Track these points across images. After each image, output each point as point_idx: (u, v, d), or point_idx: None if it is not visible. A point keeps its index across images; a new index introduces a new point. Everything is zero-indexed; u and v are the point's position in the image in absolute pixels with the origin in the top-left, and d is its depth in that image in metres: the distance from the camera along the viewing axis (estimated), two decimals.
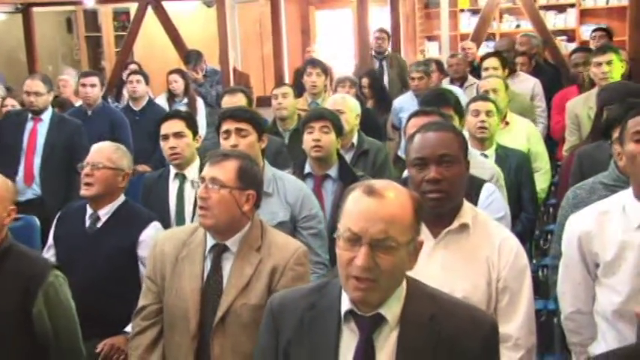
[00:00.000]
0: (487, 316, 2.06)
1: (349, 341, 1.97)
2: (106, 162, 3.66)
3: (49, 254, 3.76)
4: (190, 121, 4.34)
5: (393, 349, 1.94)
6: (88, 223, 3.69)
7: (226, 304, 2.72)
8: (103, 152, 3.71)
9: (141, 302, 2.91)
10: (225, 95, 5.48)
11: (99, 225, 3.67)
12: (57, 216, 3.87)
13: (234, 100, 5.20)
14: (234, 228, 2.80)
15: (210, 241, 2.82)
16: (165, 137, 4.20)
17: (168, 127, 4.21)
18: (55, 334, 2.77)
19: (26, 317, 2.72)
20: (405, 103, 6.77)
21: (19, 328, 2.69)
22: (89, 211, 3.70)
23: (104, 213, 3.68)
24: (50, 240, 3.82)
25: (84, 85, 6.57)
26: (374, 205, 1.90)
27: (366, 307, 1.95)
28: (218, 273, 2.79)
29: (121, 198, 3.74)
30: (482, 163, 3.90)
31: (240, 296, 2.73)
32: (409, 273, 2.43)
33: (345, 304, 1.98)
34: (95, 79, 6.61)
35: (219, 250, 2.81)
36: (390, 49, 8.84)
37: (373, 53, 8.68)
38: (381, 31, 8.74)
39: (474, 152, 4.06)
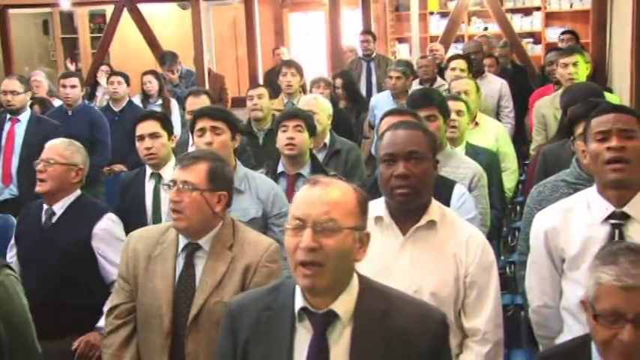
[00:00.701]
0: (437, 311, 2.06)
1: (304, 339, 1.97)
2: (59, 158, 3.65)
3: (12, 253, 3.75)
4: (165, 121, 4.31)
5: (347, 345, 1.94)
6: (43, 218, 3.67)
7: (200, 302, 2.71)
8: (56, 149, 3.69)
9: (114, 301, 2.88)
10: (189, 96, 5.37)
11: (54, 220, 3.66)
12: (19, 215, 3.85)
13: (198, 102, 5.10)
14: (207, 228, 2.79)
15: (183, 240, 2.81)
16: (141, 138, 4.16)
17: (144, 127, 4.17)
18: (7, 333, 2.67)
19: None
20: (380, 102, 6.78)
21: None
22: (45, 207, 3.69)
23: (59, 208, 3.66)
24: (12, 239, 3.80)
25: (64, 86, 6.53)
26: (317, 192, 1.94)
27: (315, 296, 1.95)
28: (191, 271, 2.77)
29: (77, 192, 3.72)
30: (466, 162, 3.91)
31: (214, 294, 2.72)
32: (380, 269, 2.46)
33: (299, 302, 1.98)
34: (75, 80, 6.59)
35: (191, 249, 2.79)
36: (377, 50, 8.82)
37: (360, 55, 8.65)
38: (366, 33, 8.70)
39: (456, 151, 4.07)
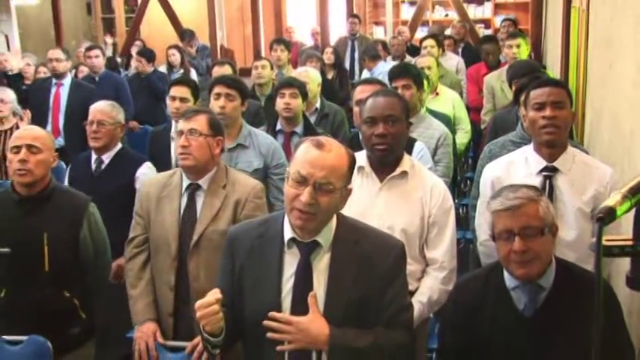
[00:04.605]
0: (397, 240, 2.08)
1: (291, 262, 1.97)
2: (109, 119, 3.66)
3: None
4: (195, 88, 4.24)
5: (326, 266, 1.95)
6: (93, 167, 3.67)
7: (200, 231, 2.70)
8: (105, 111, 3.68)
9: (132, 234, 2.88)
10: (215, 66, 5.33)
11: (103, 167, 3.67)
12: (70, 164, 3.83)
13: (222, 70, 5.08)
14: (206, 169, 2.77)
15: (186, 182, 2.79)
16: (173, 98, 4.13)
17: (176, 91, 4.13)
18: (94, 249, 2.88)
19: (74, 241, 2.80)
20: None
21: (70, 249, 2.79)
22: (93, 157, 3.69)
23: (106, 157, 3.68)
24: (66, 182, 3.76)
25: (89, 57, 6.47)
26: (320, 155, 1.89)
27: (304, 233, 1.95)
28: (192, 207, 2.76)
29: (119, 145, 3.74)
30: (435, 124, 3.82)
31: (211, 224, 2.71)
32: (361, 209, 2.44)
33: (288, 233, 1.98)
34: (98, 52, 6.51)
35: (193, 189, 2.78)
36: (360, 31, 8.69)
37: (347, 35, 8.48)
38: (354, 16, 8.58)
39: (427, 115, 3.98)
